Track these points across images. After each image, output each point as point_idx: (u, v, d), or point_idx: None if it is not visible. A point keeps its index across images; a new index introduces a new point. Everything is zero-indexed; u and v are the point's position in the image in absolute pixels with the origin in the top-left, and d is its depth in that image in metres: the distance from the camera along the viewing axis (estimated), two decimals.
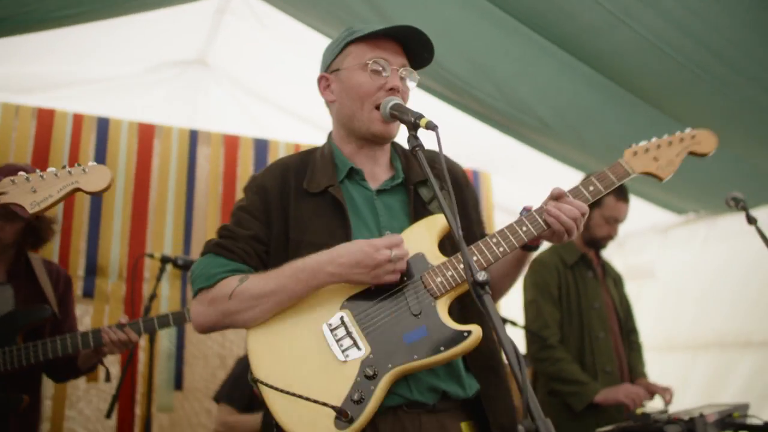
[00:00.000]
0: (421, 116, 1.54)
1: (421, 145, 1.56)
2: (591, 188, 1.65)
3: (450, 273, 1.56)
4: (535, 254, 1.79)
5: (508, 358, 1.20)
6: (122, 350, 2.57)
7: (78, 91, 4.02)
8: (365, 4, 3.18)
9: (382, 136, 1.72)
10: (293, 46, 4.02)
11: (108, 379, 2.74)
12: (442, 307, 1.54)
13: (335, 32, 3.63)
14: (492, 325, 1.23)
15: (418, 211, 1.70)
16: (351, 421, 1.43)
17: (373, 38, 1.70)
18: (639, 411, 2.29)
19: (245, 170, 4.16)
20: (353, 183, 1.73)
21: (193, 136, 4.09)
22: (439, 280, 1.55)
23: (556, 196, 1.61)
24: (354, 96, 1.69)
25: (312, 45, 3.86)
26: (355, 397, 1.44)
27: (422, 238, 1.63)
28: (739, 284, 4.57)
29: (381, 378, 1.46)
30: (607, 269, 3.44)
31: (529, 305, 3.20)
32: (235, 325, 1.59)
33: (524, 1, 2.94)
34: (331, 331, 1.53)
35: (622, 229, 5.00)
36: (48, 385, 3.42)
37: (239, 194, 4.05)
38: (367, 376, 1.46)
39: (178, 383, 3.72)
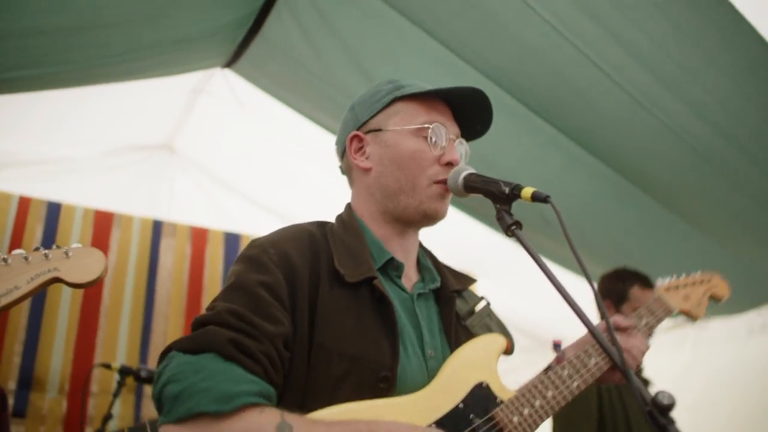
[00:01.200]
0: (519, 186, 1.24)
1: (518, 224, 1.24)
2: (644, 322, 1.63)
3: (527, 411, 1.27)
4: None
5: None
6: None
7: (26, 171, 3.62)
8: (361, 79, 2.93)
9: (436, 217, 1.39)
10: (272, 131, 3.76)
11: None
12: None
13: (326, 117, 3.44)
14: None
15: (456, 327, 1.39)
16: None
17: (425, 98, 1.41)
18: None
19: (214, 267, 3.75)
20: (388, 280, 1.35)
21: (157, 226, 3.71)
22: (516, 419, 1.25)
23: (623, 327, 1.48)
24: (404, 166, 1.36)
25: (293, 132, 3.62)
26: None
27: (482, 363, 1.33)
28: (737, 389, 4.38)
29: None
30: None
31: (558, 416, 2.83)
32: None
33: (541, 88, 2.78)
34: None
35: None
36: None
37: (206, 295, 3.67)
38: None
39: None
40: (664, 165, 3.01)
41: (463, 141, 1.47)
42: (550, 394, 1.30)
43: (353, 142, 1.43)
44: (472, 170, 1.35)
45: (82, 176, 3.73)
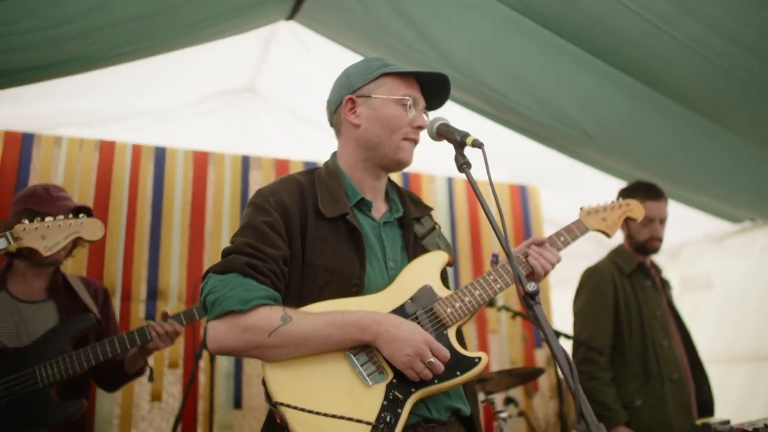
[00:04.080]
0: (467, 134, 1.64)
1: (468, 163, 1.64)
2: (562, 239, 1.97)
3: (458, 304, 1.70)
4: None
5: (560, 366, 1.24)
6: (169, 343, 2.63)
7: (135, 122, 4.22)
8: (408, 27, 3.27)
9: (404, 163, 1.82)
10: (336, 69, 4.12)
11: (151, 378, 2.75)
12: (452, 335, 1.68)
13: (374, 53, 3.78)
14: (544, 335, 1.28)
15: (414, 245, 1.81)
16: None
17: (404, 76, 1.81)
18: (700, 422, 2.25)
19: None
20: (360, 213, 1.79)
21: (245, 161, 4.22)
22: (449, 311, 1.69)
23: (539, 243, 1.87)
24: (386, 125, 1.77)
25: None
26: (387, 419, 1.50)
27: (428, 271, 1.76)
28: None
29: (406, 401, 1.55)
30: (663, 276, 3.42)
31: (580, 313, 3.20)
32: (261, 357, 1.54)
33: (563, 17, 2.97)
34: (354, 356, 1.57)
35: (677, 239, 4.95)
36: (114, 405, 3.58)
37: None
38: (395, 398, 1.54)
39: (237, 402, 3.81)
40: (694, 81, 3.11)
41: (427, 111, 1.87)
42: (477, 293, 1.73)
43: (348, 103, 1.80)
44: (443, 121, 1.76)
45: (180, 122, 4.28)
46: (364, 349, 1.58)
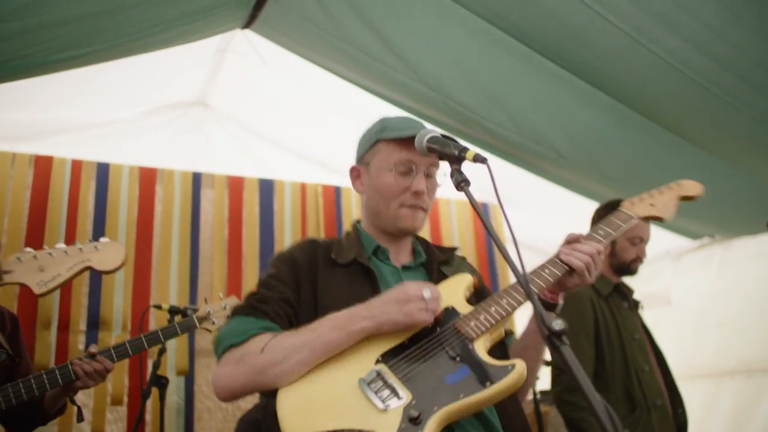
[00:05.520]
0: (465, 149, 1.48)
1: (467, 181, 1.47)
2: (601, 232, 1.77)
3: (483, 316, 1.55)
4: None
5: (598, 419, 1.07)
6: (98, 382, 2.34)
7: (76, 137, 3.91)
8: (373, 37, 3.10)
9: (408, 231, 1.78)
10: (295, 83, 3.95)
11: (80, 419, 2.45)
12: (480, 348, 1.49)
13: (341, 68, 3.61)
14: (576, 379, 1.10)
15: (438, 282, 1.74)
16: None
17: (400, 140, 1.73)
18: None
19: (251, 212, 4.04)
20: (379, 260, 1.78)
21: (197, 178, 3.99)
22: (473, 323, 1.53)
23: (571, 240, 1.69)
24: (381, 194, 1.75)
25: (314, 81, 3.81)
26: None
27: (451, 294, 1.65)
28: (763, 307, 4.46)
29: (427, 421, 1.32)
30: (635, 298, 3.34)
31: None
32: (266, 382, 1.46)
33: (538, 30, 2.87)
34: (368, 384, 1.42)
35: None
36: None
37: (246, 237, 4.01)
38: (412, 419, 1.32)
39: None
40: (668, 97, 3.06)
41: (437, 163, 1.75)
42: (504, 301, 1.57)
43: (353, 172, 1.86)
44: (433, 133, 1.58)
45: (126, 136, 3.99)
46: (378, 376, 1.42)
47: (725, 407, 4.61)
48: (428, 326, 1.52)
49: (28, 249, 1.61)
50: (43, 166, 3.59)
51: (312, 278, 1.68)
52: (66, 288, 3.45)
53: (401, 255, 1.83)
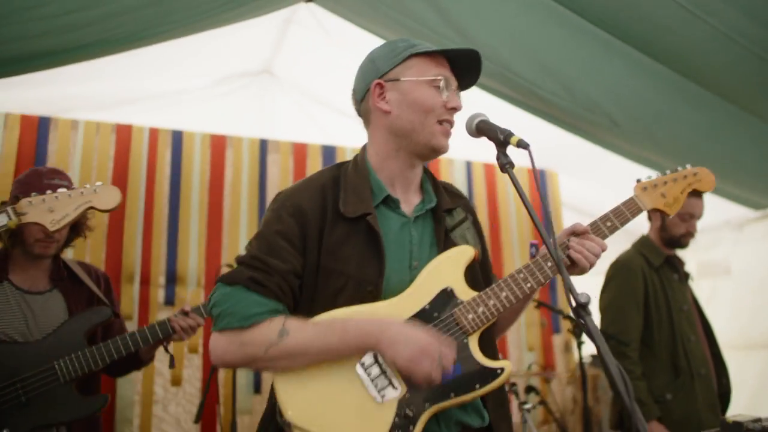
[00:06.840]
0: (511, 134, 1.56)
1: (511, 163, 1.57)
2: (609, 224, 1.75)
3: (481, 309, 1.58)
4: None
5: (613, 382, 1.21)
6: (190, 335, 2.60)
7: (151, 105, 4.16)
8: (431, 10, 3.18)
9: (440, 150, 1.70)
10: (356, 53, 4.03)
11: (172, 365, 2.73)
12: (473, 343, 1.58)
13: (394, 36, 3.70)
14: (597, 348, 1.24)
15: (445, 240, 1.70)
16: None
17: (433, 55, 1.70)
18: (731, 419, 2.23)
19: None
20: (388, 209, 1.68)
21: (263, 145, 4.17)
22: (470, 317, 1.58)
23: (580, 232, 1.69)
24: (418, 109, 1.65)
25: (370, 48, 3.92)
26: None
27: (450, 271, 1.63)
28: None
29: (419, 418, 1.48)
30: (686, 270, 3.38)
31: (609, 306, 3.17)
32: (263, 370, 1.53)
33: (595, 2, 2.89)
34: (365, 369, 1.51)
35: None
36: (134, 392, 3.59)
37: None
38: (406, 416, 1.47)
39: (257, 387, 3.83)
40: (726, 68, 3.04)
41: (459, 92, 1.74)
42: (504, 294, 1.59)
43: (376, 89, 1.68)
44: (483, 117, 1.68)
45: (197, 105, 4.24)
46: (376, 362, 1.51)
47: None
48: (425, 310, 1.57)
49: (34, 193, 1.82)
50: (123, 133, 3.86)
51: (319, 235, 1.59)
52: (146, 246, 3.77)
53: (410, 194, 1.73)
